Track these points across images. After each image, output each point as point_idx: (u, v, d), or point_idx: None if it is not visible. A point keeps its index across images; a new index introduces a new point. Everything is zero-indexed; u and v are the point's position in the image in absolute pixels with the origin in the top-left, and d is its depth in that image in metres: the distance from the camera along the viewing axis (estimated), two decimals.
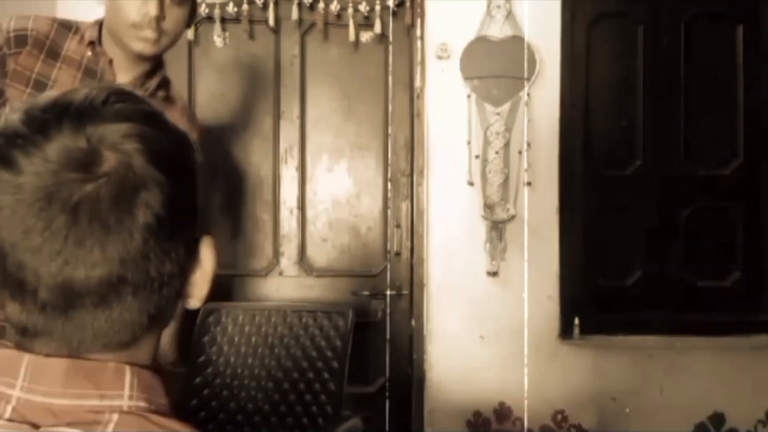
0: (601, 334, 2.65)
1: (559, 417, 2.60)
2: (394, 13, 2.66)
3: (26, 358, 0.53)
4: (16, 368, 0.53)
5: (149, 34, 1.36)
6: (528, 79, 2.56)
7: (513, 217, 2.56)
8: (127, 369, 0.55)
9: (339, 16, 2.63)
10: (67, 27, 1.45)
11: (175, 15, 1.38)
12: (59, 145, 0.50)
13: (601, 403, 2.60)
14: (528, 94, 2.56)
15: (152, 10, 1.33)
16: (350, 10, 2.59)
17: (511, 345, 2.58)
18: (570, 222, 2.65)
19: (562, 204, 2.60)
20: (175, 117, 1.25)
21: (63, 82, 1.40)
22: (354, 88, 2.70)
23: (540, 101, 2.57)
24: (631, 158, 2.73)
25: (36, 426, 0.51)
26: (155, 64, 1.46)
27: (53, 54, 1.42)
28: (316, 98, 2.71)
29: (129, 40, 1.38)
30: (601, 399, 2.60)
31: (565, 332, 2.61)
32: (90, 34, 1.43)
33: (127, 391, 0.54)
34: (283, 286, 2.67)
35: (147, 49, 1.38)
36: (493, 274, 2.56)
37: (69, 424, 0.51)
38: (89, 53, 1.42)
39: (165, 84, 1.50)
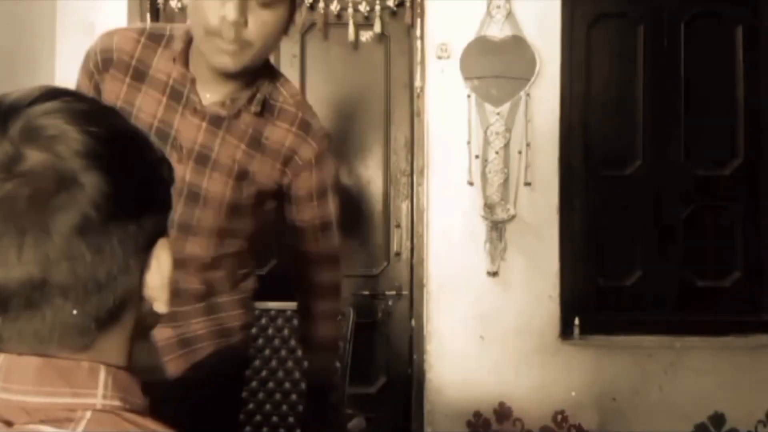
0: (601, 334, 2.65)
1: (560, 417, 2.59)
2: (394, 13, 2.66)
3: (0, 357, 0.53)
4: None
5: (228, 44, 1.09)
6: (528, 79, 2.56)
7: (513, 217, 2.56)
8: (102, 368, 0.55)
9: (339, 15, 2.63)
10: (157, 39, 1.22)
11: (261, 20, 1.10)
12: None
13: (602, 403, 2.60)
14: (528, 94, 2.56)
15: (231, 13, 1.06)
16: (350, 10, 2.60)
17: (511, 345, 2.58)
18: (570, 222, 2.65)
19: (562, 204, 2.60)
20: (278, 134, 1.24)
21: (147, 110, 1.20)
22: (354, 88, 2.70)
23: (540, 101, 2.57)
24: (631, 158, 2.73)
25: (10, 424, 0.52)
26: (250, 79, 1.20)
27: (139, 75, 1.21)
28: (316, 98, 2.70)
29: (208, 53, 1.13)
30: (602, 399, 2.60)
31: (566, 332, 2.61)
32: (176, 47, 1.19)
33: (101, 390, 0.54)
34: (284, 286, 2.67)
35: (228, 63, 1.12)
36: (493, 274, 2.56)
37: (42, 422, 0.51)
38: (175, 72, 1.20)
39: (265, 99, 1.23)
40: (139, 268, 0.57)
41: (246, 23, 1.09)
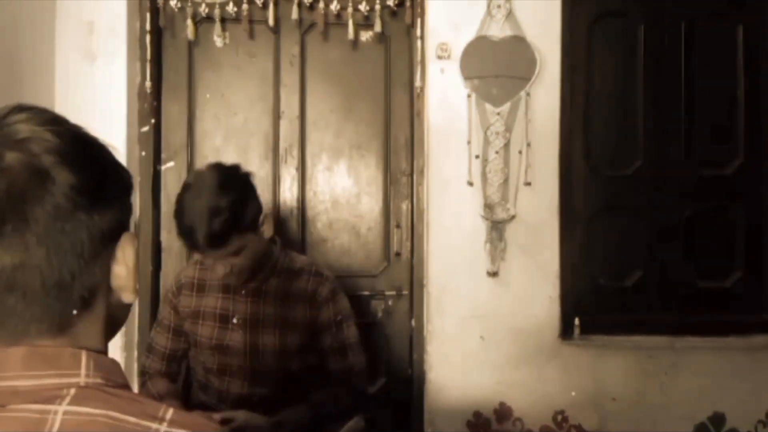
0: (601, 335, 2.64)
1: (560, 417, 2.59)
2: (394, 13, 2.66)
3: None
4: None
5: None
6: (528, 79, 2.55)
7: (513, 217, 2.56)
8: (83, 353, 0.61)
9: (339, 15, 2.63)
10: (205, 263, 1.81)
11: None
12: None
13: (602, 403, 2.60)
14: (528, 94, 2.56)
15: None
16: (350, 10, 2.59)
17: (512, 345, 2.57)
18: (570, 222, 2.64)
19: (562, 204, 2.60)
20: (302, 284, 1.86)
21: (209, 304, 1.83)
22: (354, 88, 2.70)
23: (540, 101, 2.57)
24: (632, 158, 2.73)
25: (2, 406, 0.57)
26: (261, 261, 1.80)
27: (201, 288, 1.87)
28: (316, 98, 2.71)
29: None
30: (602, 399, 2.60)
31: (566, 332, 2.61)
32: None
33: (83, 371, 0.60)
34: None
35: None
36: (493, 274, 2.56)
37: (31, 401, 0.57)
38: (221, 275, 1.74)
39: (279, 266, 1.85)
40: (106, 259, 0.64)
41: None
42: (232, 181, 1.68)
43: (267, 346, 1.80)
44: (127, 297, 0.66)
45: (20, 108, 0.62)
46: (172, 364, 1.92)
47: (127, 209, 0.66)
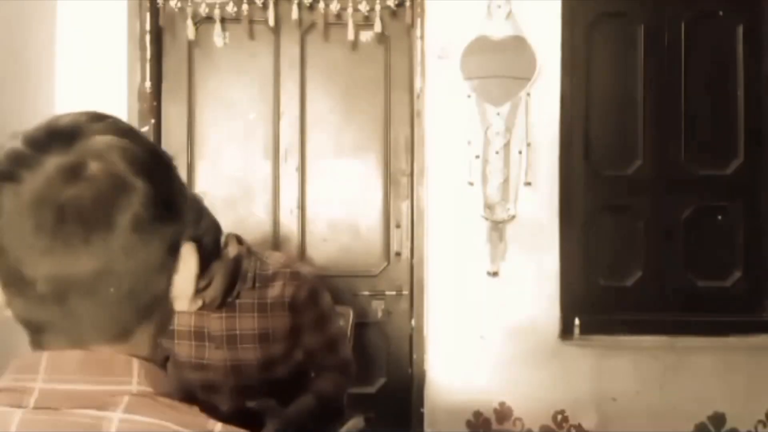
0: (601, 335, 2.65)
1: (560, 417, 2.60)
2: (394, 13, 2.66)
3: (45, 354, 0.60)
4: (36, 365, 0.60)
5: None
6: (528, 79, 2.56)
7: (513, 217, 2.56)
8: (135, 360, 0.61)
9: (339, 16, 2.63)
10: None
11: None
12: (54, 159, 0.59)
13: (602, 403, 2.60)
14: (528, 94, 2.56)
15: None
16: (350, 10, 2.59)
17: (512, 345, 2.58)
18: (570, 222, 2.64)
19: (562, 204, 2.60)
20: (277, 290, 1.71)
21: (182, 321, 1.73)
22: (354, 88, 2.70)
23: (540, 101, 2.57)
24: (631, 158, 2.73)
25: (56, 409, 0.58)
26: (232, 278, 1.68)
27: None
28: (316, 98, 2.71)
29: None
30: (602, 399, 2.60)
31: (566, 332, 2.61)
32: None
33: (135, 378, 0.60)
34: None
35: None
36: (494, 274, 2.56)
37: (84, 407, 0.58)
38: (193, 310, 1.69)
39: (255, 274, 1.73)
40: (170, 270, 0.65)
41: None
42: None
43: (249, 361, 1.71)
44: (181, 305, 0.68)
45: (96, 117, 0.64)
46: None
47: (187, 219, 0.68)
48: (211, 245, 1.54)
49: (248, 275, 1.70)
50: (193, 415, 0.61)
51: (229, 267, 1.65)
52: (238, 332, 1.70)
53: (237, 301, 1.70)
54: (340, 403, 1.88)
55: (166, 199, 0.63)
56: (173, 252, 0.65)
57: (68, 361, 0.60)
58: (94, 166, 0.59)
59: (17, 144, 0.61)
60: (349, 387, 1.89)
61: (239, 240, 1.73)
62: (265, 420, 1.63)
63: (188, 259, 0.67)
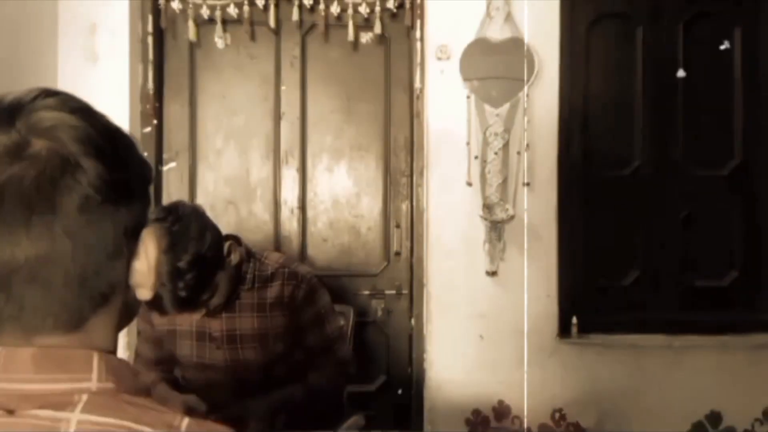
0: (599, 333, 2.66)
1: (558, 415, 2.61)
2: (394, 15, 2.67)
3: None
4: None
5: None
6: (527, 81, 2.57)
7: (512, 218, 2.57)
8: (95, 354, 0.58)
9: (339, 17, 2.64)
10: None
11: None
12: None
13: (600, 401, 2.62)
14: (527, 95, 2.58)
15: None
16: (350, 12, 2.61)
17: (510, 344, 2.59)
18: (569, 222, 2.66)
19: (560, 204, 2.62)
20: (276, 291, 1.73)
21: (184, 322, 1.74)
22: (354, 89, 2.72)
23: (539, 102, 2.59)
24: (630, 158, 2.75)
25: (11, 411, 0.54)
26: (232, 279, 1.69)
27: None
28: (316, 99, 2.72)
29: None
30: (600, 398, 2.62)
31: (564, 331, 2.63)
32: None
33: (95, 374, 0.57)
34: None
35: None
36: (493, 273, 2.58)
37: (41, 407, 0.54)
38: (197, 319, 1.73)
39: (254, 274, 1.74)
40: (127, 255, 0.61)
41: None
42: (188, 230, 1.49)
43: (249, 361, 1.73)
44: (144, 294, 0.65)
45: (47, 93, 0.59)
46: (164, 367, 1.83)
47: (148, 204, 0.64)
48: (215, 257, 1.54)
49: (247, 276, 1.71)
50: (157, 411, 0.57)
51: (232, 273, 1.66)
52: (238, 332, 1.72)
53: (237, 301, 1.71)
54: (335, 400, 1.89)
55: (120, 181, 0.59)
56: (131, 237, 0.61)
57: (22, 359, 0.56)
58: (38, 144, 0.55)
59: None
60: (345, 385, 1.90)
61: (238, 241, 1.74)
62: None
63: (149, 244, 0.63)
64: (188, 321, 1.72)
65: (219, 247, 1.57)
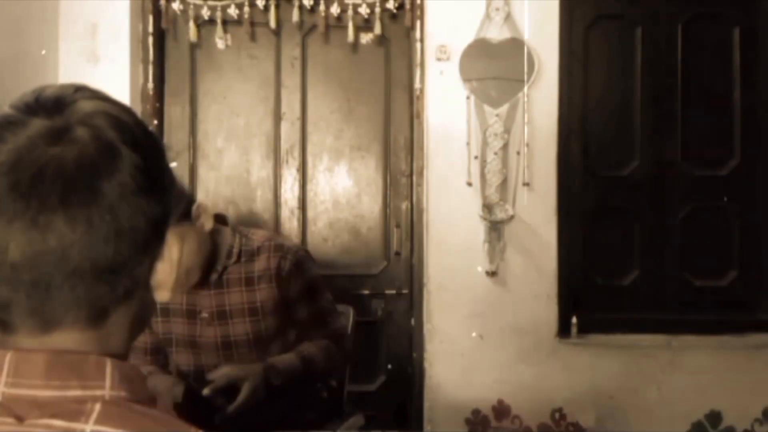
0: (598, 333, 2.67)
1: (557, 415, 2.62)
2: (394, 16, 2.68)
3: (9, 354, 0.55)
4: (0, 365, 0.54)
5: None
6: (527, 81, 2.58)
7: (512, 218, 2.58)
8: (108, 361, 0.56)
9: (339, 18, 2.65)
10: None
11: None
12: (40, 121, 0.55)
13: (599, 401, 2.62)
14: (527, 96, 2.58)
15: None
16: (350, 13, 2.61)
17: (510, 344, 2.60)
18: (568, 222, 2.67)
19: (560, 204, 2.62)
20: (262, 264, 1.69)
21: (175, 300, 1.71)
22: (354, 90, 2.72)
23: (539, 102, 2.59)
24: (629, 158, 2.75)
25: (21, 419, 0.53)
26: (213, 255, 1.68)
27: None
28: (316, 99, 2.73)
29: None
30: (599, 397, 2.62)
31: (563, 331, 2.63)
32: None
33: (108, 382, 0.55)
34: None
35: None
36: (492, 273, 2.58)
37: (53, 416, 0.52)
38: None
39: (241, 249, 1.72)
40: (154, 253, 0.60)
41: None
42: None
43: (240, 338, 1.71)
44: (162, 295, 0.64)
45: (83, 87, 0.60)
46: (158, 357, 1.80)
47: (173, 203, 0.63)
48: (181, 215, 1.51)
49: (233, 251, 1.70)
50: (171, 424, 0.56)
51: (203, 240, 1.62)
52: (227, 307, 1.70)
53: (225, 277, 1.69)
54: (330, 374, 1.84)
55: (154, 172, 0.59)
56: (157, 233, 0.60)
57: (35, 364, 0.54)
58: (80, 131, 0.55)
59: (5, 109, 0.58)
60: (341, 358, 1.84)
61: (222, 220, 1.72)
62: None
63: (173, 245, 0.63)
64: (179, 299, 1.70)
65: (187, 206, 1.55)
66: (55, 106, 0.57)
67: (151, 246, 0.59)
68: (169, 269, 0.63)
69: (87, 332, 0.57)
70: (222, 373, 1.55)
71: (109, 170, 0.54)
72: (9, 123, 0.56)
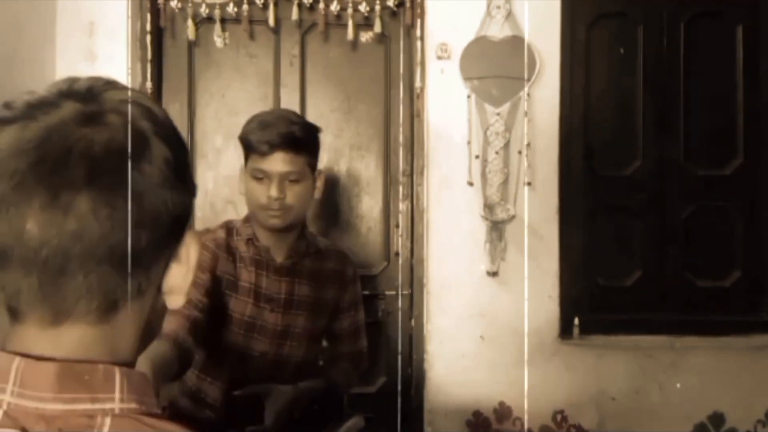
0: (600, 334, 2.65)
1: (559, 417, 2.60)
2: (394, 14, 2.66)
3: (16, 361, 0.53)
4: (6, 372, 0.52)
5: (276, 212, 1.62)
6: (528, 80, 2.56)
7: (513, 217, 2.56)
8: (117, 370, 0.55)
9: (339, 16, 2.64)
10: (231, 231, 1.73)
11: (294, 191, 1.62)
12: (74, 105, 0.55)
13: (601, 403, 2.61)
14: (528, 95, 2.57)
15: (274, 192, 1.59)
16: (350, 10, 2.60)
17: (511, 345, 2.58)
18: (570, 222, 2.65)
19: (561, 204, 2.61)
20: (330, 264, 1.77)
21: (243, 277, 1.67)
22: (354, 89, 2.71)
23: (540, 101, 2.58)
24: (631, 158, 2.74)
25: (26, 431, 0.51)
26: (297, 233, 1.72)
27: (233, 256, 1.69)
28: (316, 98, 2.71)
29: (262, 220, 1.65)
30: (601, 399, 2.61)
31: (565, 332, 2.62)
32: (246, 233, 1.69)
33: (117, 394, 0.54)
34: None
35: (277, 223, 1.63)
36: (493, 274, 2.57)
37: (60, 430, 0.51)
38: (252, 249, 1.68)
39: (311, 245, 1.75)
40: (170, 252, 0.59)
41: (285, 196, 1.60)
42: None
43: (297, 329, 1.69)
44: (175, 301, 0.61)
45: (113, 81, 0.60)
46: (197, 329, 1.56)
47: (192, 203, 0.62)
48: (317, 152, 1.68)
49: (309, 242, 1.74)
50: None
51: (311, 197, 1.69)
52: (295, 298, 1.70)
53: (297, 266, 1.71)
54: (342, 397, 1.85)
55: (180, 169, 0.58)
56: (176, 230, 0.58)
57: (45, 375, 0.52)
58: (112, 117, 0.55)
59: (39, 93, 0.57)
60: (356, 381, 1.89)
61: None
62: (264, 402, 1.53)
63: (190, 246, 0.61)
64: (247, 278, 1.66)
65: (317, 155, 1.73)
66: (89, 92, 0.57)
67: (169, 243, 0.58)
68: (185, 272, 0.60)
69: (96, 327, 0.55)
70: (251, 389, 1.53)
71: (137, 156, 0.54)
72: (42, 103, 0.55)
